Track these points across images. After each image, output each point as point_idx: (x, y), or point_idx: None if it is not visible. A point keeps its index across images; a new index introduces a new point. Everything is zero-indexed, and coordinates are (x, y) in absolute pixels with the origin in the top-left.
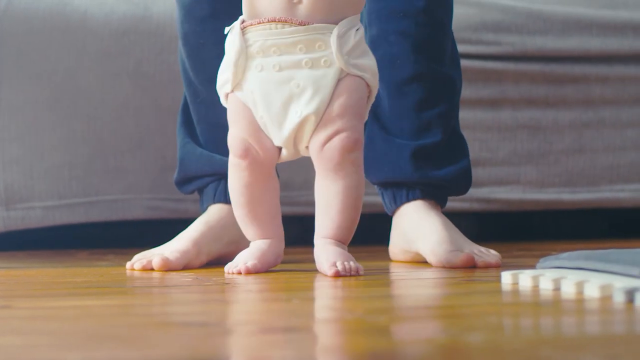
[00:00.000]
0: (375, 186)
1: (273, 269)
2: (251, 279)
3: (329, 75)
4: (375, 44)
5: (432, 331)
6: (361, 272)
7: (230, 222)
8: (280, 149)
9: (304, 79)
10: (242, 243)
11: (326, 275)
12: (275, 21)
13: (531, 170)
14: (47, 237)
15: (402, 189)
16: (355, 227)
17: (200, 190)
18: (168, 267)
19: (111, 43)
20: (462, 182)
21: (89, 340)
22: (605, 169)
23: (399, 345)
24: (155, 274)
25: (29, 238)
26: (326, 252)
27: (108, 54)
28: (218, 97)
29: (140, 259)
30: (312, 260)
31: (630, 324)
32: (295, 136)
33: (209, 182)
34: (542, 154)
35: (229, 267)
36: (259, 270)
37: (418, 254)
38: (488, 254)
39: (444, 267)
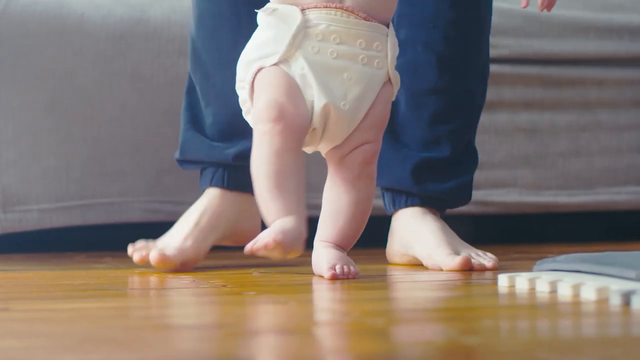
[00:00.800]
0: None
1: (270, 271)
2: (248, 281)
3: (378, 79)
4: (401, 49)
5: (430, 334)
6: (357, 277)
7: (224, 208)
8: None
9: (357, 74)
10: (237, 228)
11: (323, 278)
12: (343, 9)
13: (528, 173)
14: (44, 240)
15: (402, 195)
16: (358, 236)
17: (200, 172)
18: (165, 263)
19: (108, 46)
20: (462, 196)
21: (85, 343)
22: (602, 171)
23: (396, 348)
24: (153, 277)
25: (25, 240)
26: (326, 254)
27: (105, 56)
28: (228, 83)
29: (140, 249)
30: (310, 263)
31: (626, 326)
32: (330, 126)
33: (207, 167)
34: (538, 156)
35: (251, 245)
36: (286, 246)
37: (415, 258)
38: (485, 257)
39: (441, 270)
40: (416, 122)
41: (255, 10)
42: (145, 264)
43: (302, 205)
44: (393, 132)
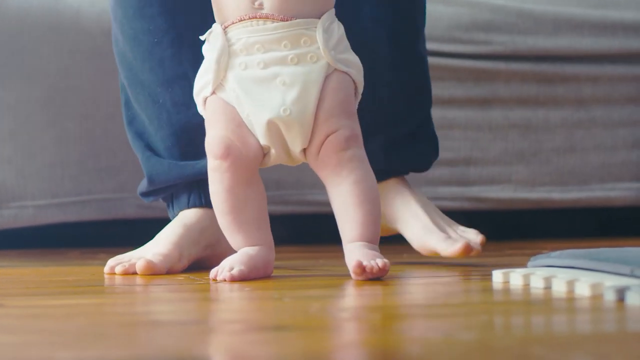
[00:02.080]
0: None
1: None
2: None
3: (316, 71)
4: (348, 32)
5: (424, 329)
6: (387, 268)
7: (206, 225)
8: (263, 151)
9: (290, 76)
10: (218, 247)
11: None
12: (257, 17)
13: (522, 170)
14: (40, 236)
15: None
16: (379, 223)
17: (169, 197)
18: (152, 270)
19: (104, 42)
20: (432, 155)
21: (80, 339)
22: (596, 168)
23: (390, 344)
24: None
25: (21, 237)
26: (354, 253)
27: (101, 53)
28: (179, 99)
29: (120, 262)
30: (304, 259)
31: (620, 322)
32: (285, 136)
33: (180, 190)
34: (533, 153)
35: (214, 273)
36: (246, 277)
37: (394, 232)
38: (469, 231)
39: (437, 254)
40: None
41: (200, 38)
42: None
43: (266, 231)
44: None
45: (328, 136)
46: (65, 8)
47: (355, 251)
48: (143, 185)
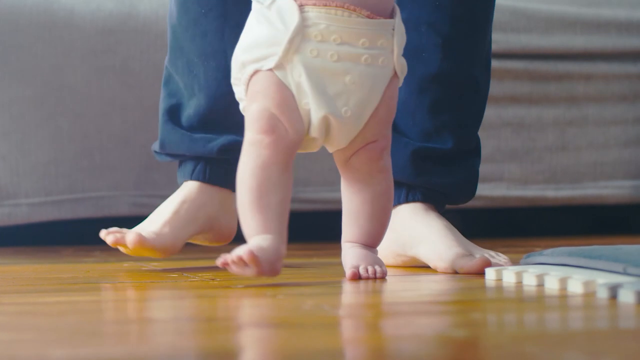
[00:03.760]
0: None
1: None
2: (237, 274)
3: (383, 77)
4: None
5: (417, 327)
6: (384, 277)
7: (205, 202)
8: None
9: (360, 76)
10: (216, 225)
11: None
12: (344, 7)
13: (515, 167)
14: (34, 234)
15: (402, 188)
16: (385, 230)
17: (179, 163)
18: (143, 244)
19: (97, 40)
20: (468, 191)
21: (75, 336)
22: (589, 166)
23: (384, 341)
24: (143, 270)
25: (15, 234)
26: (350, 255)
27: (94, 51)
28: (213, 74)
29: (114, 232)
30: (297, 256)
31: (613, 319)
32: (332, 132)
33: (188, 159)
34: (526, 151)
35: (222, 258)
36: (262, 265)
37: (413, 259)
38: (497, 257)
39: (455, 272)
40: (416, 110)
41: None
42: (120, 246)
43: (284, 223)
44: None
45: (368, 144)
46: (59, 7)
47: (354, 252)
48: (156, 144)
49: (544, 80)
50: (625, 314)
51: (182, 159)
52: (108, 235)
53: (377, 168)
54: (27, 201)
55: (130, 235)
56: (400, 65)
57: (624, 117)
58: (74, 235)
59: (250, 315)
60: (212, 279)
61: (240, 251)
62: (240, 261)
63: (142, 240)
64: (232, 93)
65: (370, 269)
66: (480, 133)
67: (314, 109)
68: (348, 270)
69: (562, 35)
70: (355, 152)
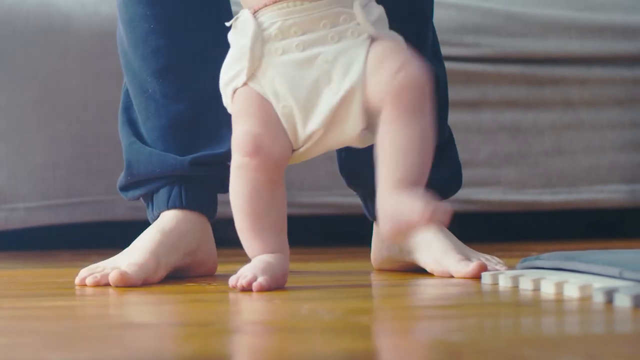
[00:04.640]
0: (358, 194)
1: None
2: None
3: (359, 44)
4: None
5: (413, 331)
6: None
7: (185, 230)
8: (294, 146)
9: (332, 53)
10: (198, 253)
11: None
12: None
13: (511, 172)
14: (31, 238)
15: None
16: (427, 175)
17: (149, 196)
18: (126, 282)
19: (94, 45)
20: (455, 184)
21: (72, 341)
22: (585, 170)
23: (379, 346)
24: None
25: (12, 239)
26: (410, 196)
27: (91, 55)
28: (169, 91)
29: (92, 274)
30: (293, 261)
31: (609, 324)
32: (338, 114)
33: (161, 187)
34: (522, 155)
35: (234, 281)
36: (270, 287)
37: (411, 264)
38: (493, 260)
39: (451, 277)
40: None
41: (225, 24)
42: (100, 287)
43: (284, 237)
44: None
45: (403, 67)
46: (55, 11)
47: (412, 192)
48: (122, 177)
49: (540, 85)
50: (621, 318)
51: (152, 187)
52: (88, 278)
53: (423, 100)
54: (24, 205)
55: (113, 274)
56: (373, 27)
57: (619, 122)
58: (71, 240)
59: (245, 320)
60: (209, 284)
61: (248, 277)
62: (249, 287)
63: (125, 278)
64: (191, 108)
65: (438, 206)
66: (476, 137)
67: (295, 108)
68: (423, 210)
69: (558, 40)
70: (397, 72)
